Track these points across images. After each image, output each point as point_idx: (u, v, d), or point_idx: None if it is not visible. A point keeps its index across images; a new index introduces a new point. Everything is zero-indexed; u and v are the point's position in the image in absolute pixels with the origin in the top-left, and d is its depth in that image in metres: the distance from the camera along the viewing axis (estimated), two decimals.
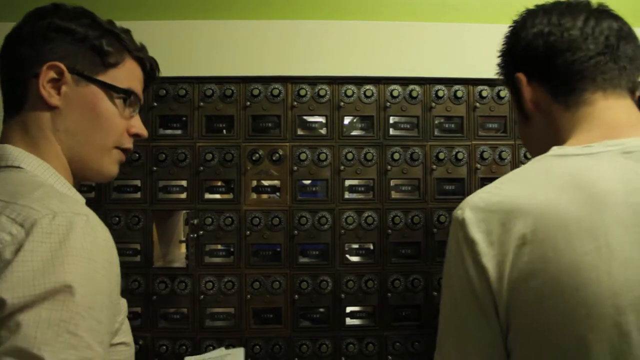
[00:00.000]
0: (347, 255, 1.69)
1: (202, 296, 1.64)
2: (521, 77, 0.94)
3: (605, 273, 0.71)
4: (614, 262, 0.71)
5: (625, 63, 0.88)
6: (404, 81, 1.69)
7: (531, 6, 0.97)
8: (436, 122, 1.71)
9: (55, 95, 0.91)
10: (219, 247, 1.69)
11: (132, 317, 1.63)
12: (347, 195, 1.69)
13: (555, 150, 0.84)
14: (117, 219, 1.63)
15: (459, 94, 1.70)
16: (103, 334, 0.74)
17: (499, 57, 1.02)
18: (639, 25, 1.70)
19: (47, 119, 0.92)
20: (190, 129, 1.66)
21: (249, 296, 1.64)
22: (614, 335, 0.70)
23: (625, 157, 0.79)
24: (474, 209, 0.80)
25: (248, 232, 1.65)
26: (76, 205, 0.81)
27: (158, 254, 1.69)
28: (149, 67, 1.06)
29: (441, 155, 1.68)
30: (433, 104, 1.70)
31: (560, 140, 0.88)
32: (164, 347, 1.62)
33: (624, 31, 0.89)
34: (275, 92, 1.66)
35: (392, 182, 1.70)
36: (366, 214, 1.67)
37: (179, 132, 1.68)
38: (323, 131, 1.69)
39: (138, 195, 1.66)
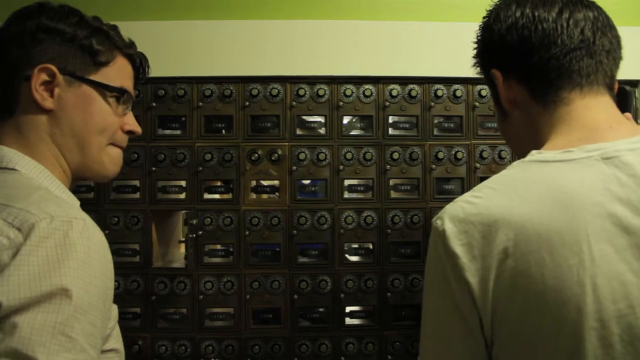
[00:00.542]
0: (347, 255, 1.69)
1: (201, 296, 1.63)
2: (497, 74, 0.91)
3: (590, 287, 0.70)
4: (598, 275, 0.71)
5: (602, 57, 0.85)
6: (403, 81, 1.69)
7: None
8: (435, 121, 1.71)
9: (49, 98, 0.91)
10: (218, 247, 1.69)
11: (131, 317, 1.63)
12: (346, 194, 1.69)
13: (534, 155, 0.82)
14: (116, 219, 1.63)
15: (458, 93, 1.70)
16: (97, 337, 0.75)
17: (474, 50, 0.99)
18: (639, 25, 1.71)
19: (42, 121, 0.91)
20: (189, 129, 1.66)
21: (248, 296, 1.64)
22: (597, 349, 0.70)
23: (606, 163, 0.77)
24: (454, 220, 0.79)
25: (247, 232, 1.64)
26: (73, 209, 0.81)
27: (157, 254, 1.69)
28: (138, 62, 1.06)
29: (440, 155, 1.68)
30: (432, 104, 1.69)
31: (539, 140, 0.87)
32: (164, 347, 1.62)
33: (600, 21, 0.86)
34: (274, 92, 1.66)
35: (392, 182, 1.69)
36: (365, 214, 1.67)
37: (178, 132, 1.68)
38: (322, 131, 1.69)
39: (137, 195, 1.66)
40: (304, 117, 1.70)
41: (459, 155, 1.69)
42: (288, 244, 1.66)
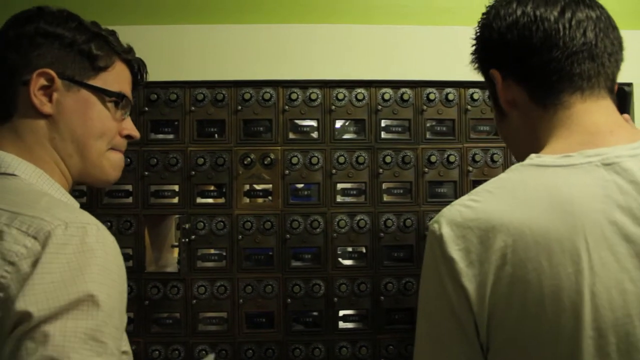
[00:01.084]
0: (340, 259, 1.69)
1: (194, 301, 1.63)
2: (496, 74, 0.90)
3: (588, 295, 0.70)
4: (597, 284, 0.70)
5: (604, 59, 0.84)
6: (395, 84, 1.69)
7: None
8: (428, 125, 1.71)
9: (47, 102, 0.91)
10: (211, 251, 1.68)
11: None
12: (339, 198, 1.69)
13: (533, 159, 0.81)
14: (108, 223, 1.63)
15: (451, 96, 1.70)
16: (120, 340, 0.77)
17: (472, 47, 0.97)
18: (639, 25, 1.71)
19: (41, 126, 0.91)
20: (181, 133, 1.66)
21: (241, 300, 1.64)
22: (594, 357, 0.70)
23: (606, 169, 0.76)
24: (451, 224, 0.78)
25: (240, 237, 1.64)
26: (82, 214, 0.82)
27: (150, 259, 1.69)
28: (136, 68, 1.07)
29: (433, 158, 1.68)
30: (424, 107, 1.70)
31: (537, 142, 0.86)
32: (157, 352, 1.62)
33: (603, 22, 0.85)
34: (267, 96, 1.66)
35: (384, 186, 1.70)
36: (358, 217, 1.67)
37: (170, 136, 1.68)
38: (315, 135, 1.69)
39: (130, 200, 1.65)
40: (296, 121, 1.70)
41: (452, 158, 1.69)
42: (281, 248, 1.66)
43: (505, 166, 1.71)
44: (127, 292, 1.57)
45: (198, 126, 1.67)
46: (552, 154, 0.81)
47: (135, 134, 1.05)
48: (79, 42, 0.94)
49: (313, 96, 1.67)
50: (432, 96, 1.69)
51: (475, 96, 1.71)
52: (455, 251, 0.76)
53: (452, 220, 0.78)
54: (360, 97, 1.68)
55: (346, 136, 1.71)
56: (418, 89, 1.70)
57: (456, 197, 1.66)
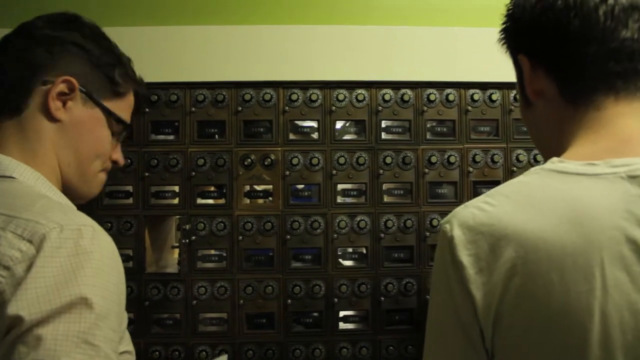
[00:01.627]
0: (340, 260, 1.69)
1: (194, 301, 1.63)
2: (524, 60, 0.83)
3: (598, 316, 0.66)
4: (609, 304, 0.66)
5: None
6: (395, 85, 1.69)
7: None
8: (428, 125, 1.71)
9: (62, 108, 0.92)
10: (212, 252, 1.68)
11: None
12: (339, 199, 1.69)
13: (555, 164, 0.76)
14: (109, 224, 1.63)
15: (451, 97, 1.70)
16: (116, 342, 0.76)
17: (502, 24, 0.88)
18: None
19: (48, 129, 0.92)
20: (182, 134, 1.66)
21: (241, 301, 1.64)
22: None
23: (631, 182, 0.70)
24: (463, 227, 0.74)
25: (240, 237, 1.64)
26: (78, 215, 0.82)
27: (150, 260, 1.69)
28: (141, 100, 1.12)
29: (433, 159, 1.68)
30: (425, 108, 1.70)
31: (562, 140, 0.80)
32: (157, 352, 1.62)
33: None
34: (267, 97, 1.66)
35: (385, 186, 1.70)
36: (359, 218, 1.67)
37: (170, 137, 1.68)
38: (315, 136, 1.69)
39: (130, 200, 1.66)
40: (296, 122, 1.70)
41: (452, 159, 1.69)
42: (281, 249, 1.66)
43: (505, 167, 1.71)
44: (127, 293, 1.58)
45: (198, 127, 1.67)
46: (576, 159, 0.75)
47: (122, 161, 1.10)
48: (106, 63, 0.98)
49: (313, 97, 1.67)
50: (432, 97, 1.69)
51: (476, 97, 1.71)
52: (465, 256, 0.73)
53: (464, 222, 0.75)
54: (360, 98, 1.68)
55: (346, 137, 1.71)
56: (418, 90, 1.70)
57: (457, 198, 1.67)
